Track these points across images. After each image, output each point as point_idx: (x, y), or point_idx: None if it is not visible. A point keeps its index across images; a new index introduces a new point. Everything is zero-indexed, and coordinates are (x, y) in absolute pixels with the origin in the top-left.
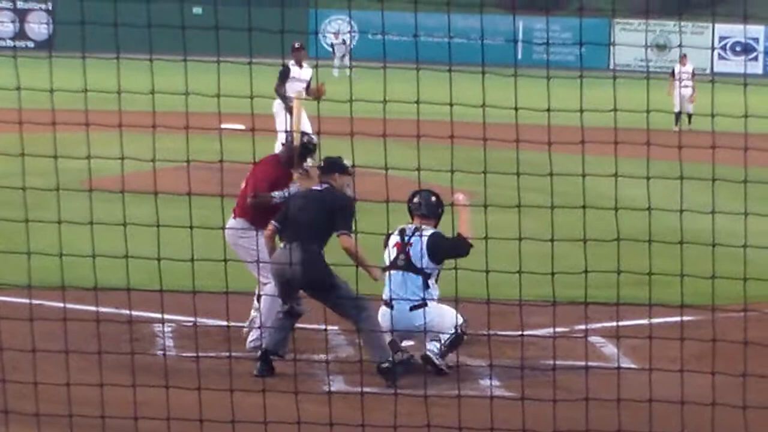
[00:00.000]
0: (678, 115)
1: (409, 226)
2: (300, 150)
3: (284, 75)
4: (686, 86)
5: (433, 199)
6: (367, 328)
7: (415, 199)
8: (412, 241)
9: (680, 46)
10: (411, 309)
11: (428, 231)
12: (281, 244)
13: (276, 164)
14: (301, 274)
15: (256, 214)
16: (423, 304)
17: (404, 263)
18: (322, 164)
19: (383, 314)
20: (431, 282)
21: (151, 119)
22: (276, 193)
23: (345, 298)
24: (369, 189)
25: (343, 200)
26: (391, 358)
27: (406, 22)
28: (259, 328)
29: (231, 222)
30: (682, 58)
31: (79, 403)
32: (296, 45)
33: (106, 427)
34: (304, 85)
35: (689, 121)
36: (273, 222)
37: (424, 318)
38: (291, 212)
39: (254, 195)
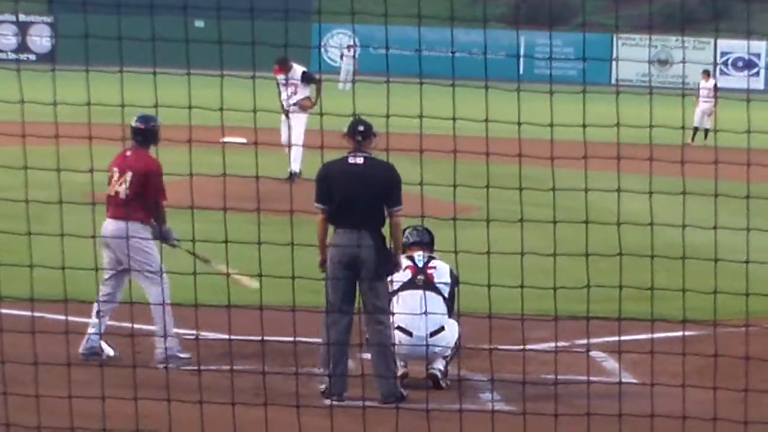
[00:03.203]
0: (696, 130)
1: (417, 254)
2: (157, 132)
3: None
4: (706, 101)
5: (425, 230)
6: (379, 342)
7: (413, 232)
8: (432, 264)
9: (683, 62)
10: (432, 335)
11: (443, 262)
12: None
13: (154, 159)
14: (374, 263)
15: (146, 212)
16: (441, 328)
17: (423, 282)
18: (360, 129)
19: (399, 340)
20: (447, 300)
21: None
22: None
23: (381, 301)
24: None
25: (394, 172)
26: (397, 395)
27: (409, 36)
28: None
29: (121, 225)
30: (704, 74)
31: (80, 416)
32: (276, 67)
33: None
34: (297, 81)
35: (705, 137)
36: (319, 205)
37: (444, 340)
38: (340, 193)
39: (162, 201)
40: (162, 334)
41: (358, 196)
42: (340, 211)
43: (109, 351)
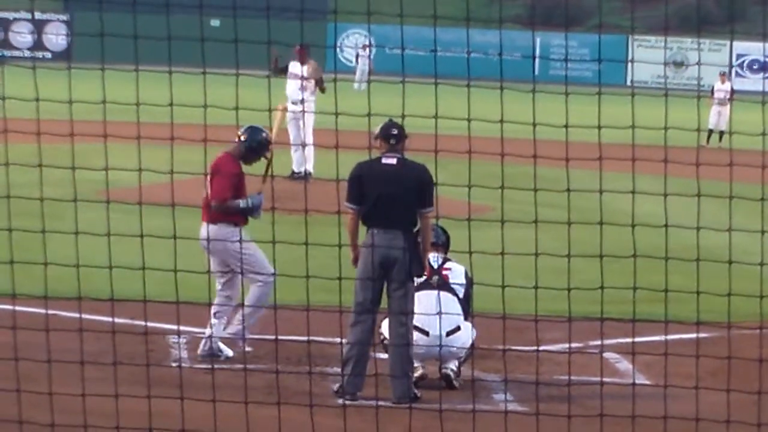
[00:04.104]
0: (710, 132)
1: (432, 255)
2: (256, 146)
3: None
4: (723, 103)
5: (442, 231)
6: (398, 343)
7: None
8: (447, 265)
9: (699, 63)
10: (448, 334)
11: (458, 264)
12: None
13: (231, 162)
14: (407, 264)
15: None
16: (457, 328)
17: (438, 283)
18: (394, 133)
19: (416, 340)
20: (463, 301)
21: (169, 131)
22: (240, 202)
23: (408, 303)
24: None
25: (428, 173)
26: (410, 395)
27: (424, 36)
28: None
29: (210, 228)
30: (722, 76)
31: (94, 414)
32: (299, 48)
33: None
34: (301, 82)
35: (720, 139)
36: (350, 205)
37: (460, 341)
38: (374, 194)
39: (219, 202)
40: (220, 332)
41: (393, 196)
42: (375, 212)
43: (228, 352)
